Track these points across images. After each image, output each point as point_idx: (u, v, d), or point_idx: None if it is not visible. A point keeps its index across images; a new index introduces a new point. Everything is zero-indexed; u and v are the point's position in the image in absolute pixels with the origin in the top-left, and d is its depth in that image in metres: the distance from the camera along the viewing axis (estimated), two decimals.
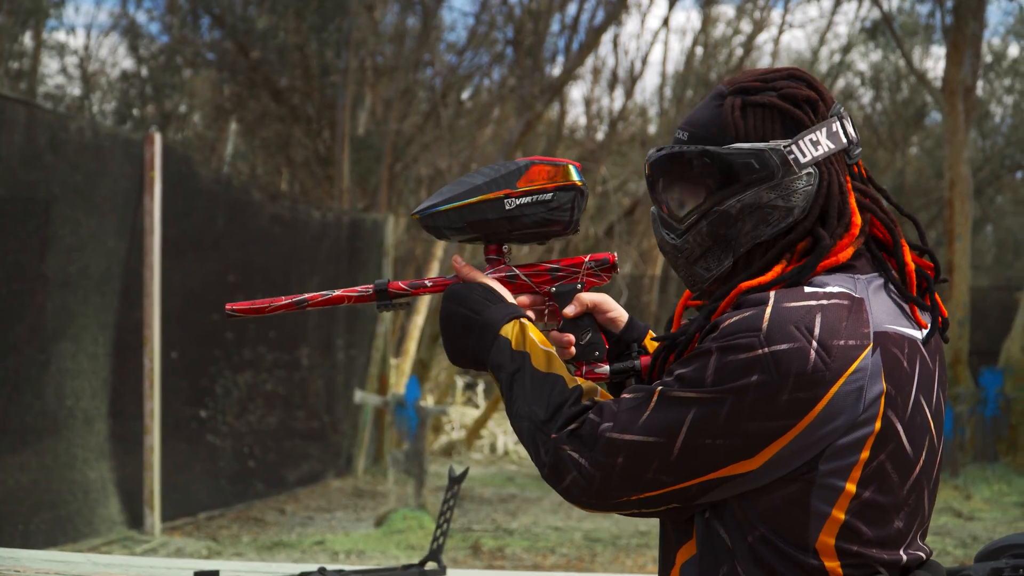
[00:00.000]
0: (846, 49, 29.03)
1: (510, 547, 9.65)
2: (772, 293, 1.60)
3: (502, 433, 17.74)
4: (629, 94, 25.06)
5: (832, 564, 1.58)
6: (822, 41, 29.03)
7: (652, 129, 26.27)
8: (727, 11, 26.35)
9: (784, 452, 1.55)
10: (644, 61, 25.04)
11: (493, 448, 17.50)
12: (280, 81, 17.90)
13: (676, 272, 1.83)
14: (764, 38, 28.30)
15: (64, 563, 2.93)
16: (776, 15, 27.85)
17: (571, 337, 1.86)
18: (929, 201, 27.66)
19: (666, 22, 29.02)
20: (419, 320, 16.78)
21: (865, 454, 1.56)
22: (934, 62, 29.69)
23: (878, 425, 1.56)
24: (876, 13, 23.08)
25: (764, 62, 27.41)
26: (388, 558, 8.96)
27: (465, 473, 2.89)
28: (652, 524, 10.96)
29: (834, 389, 1.53)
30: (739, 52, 26.78)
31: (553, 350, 1.74)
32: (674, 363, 1.66)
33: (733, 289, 1.68)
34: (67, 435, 8.48)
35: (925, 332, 1.67)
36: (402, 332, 16.71)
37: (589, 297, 1.91)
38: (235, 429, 10.92)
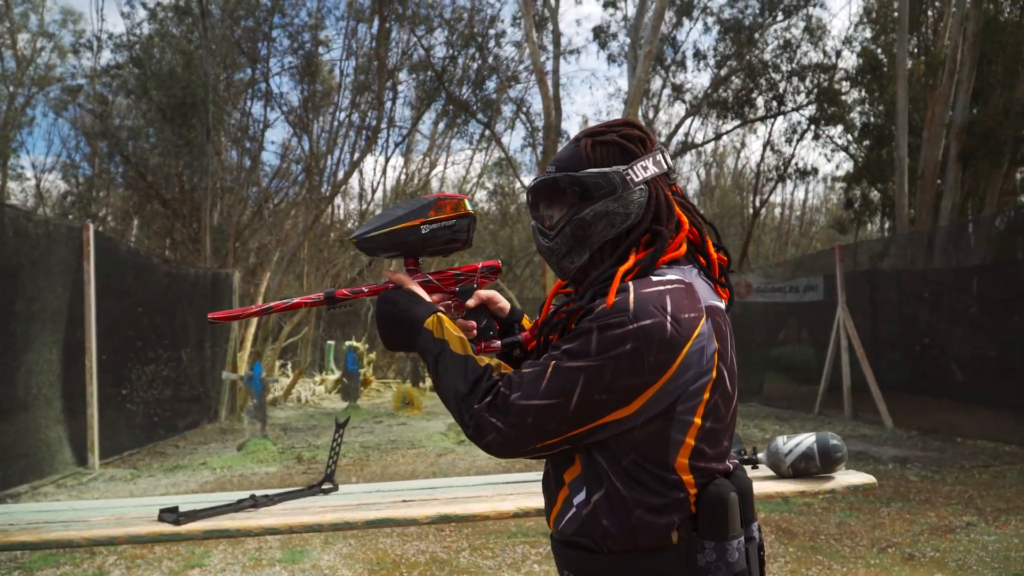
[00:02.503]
0: (479, 177, 28.81)
1: (318, 456, 9.29)
2: (630, 283, 1.35)
3: (304, 391, 17.14)
4: (368, 202, 24.85)
5: (688, 477, 1.35)
6: (468, 170, 29.00)
7: None
8: (418, 156, 26.08)
9: (652, 399, 1.32)
10: (374, 185, 24.91)
11: (299, 399, 16.80)
12: (166, 195, 16.92)
13: (550, 267, 1.56)
14: (438, 170, 28.11)
15: (50, 511, 2.45)
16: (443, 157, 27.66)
17: (473, 323, 1.60)
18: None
19: (387, 160, 29.00)
20: (252, 329, 15.98)
21: (706, 395, 1.35)
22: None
23: (714, 374, 1.35)
24: (500, 154, 24.04)
25: (435, 185, 27.28)
26: (247, 470, 8.47)
27: (347, 421, 2.62)
28: (414, 431, 10.98)
29: (685, 350, 1.32)
30: (423, 177, 26.31)
31: (463, 336, 1.48)
32: (559, 340, 1.40)
33: (604, 278, 1.41)
34: (34, 411, 7.75)
35: (725, 303, 1.47)
36: (245, 335, 15.93)
37: (484, 293, 1.65)
38: (144, 399, 10.17)
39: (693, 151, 22.62)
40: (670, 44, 18.20)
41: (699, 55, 19.11)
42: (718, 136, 21.09)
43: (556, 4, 16.64)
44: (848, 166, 19.31)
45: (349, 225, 24.95)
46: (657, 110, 20.21)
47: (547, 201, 1.50)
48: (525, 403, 1.32)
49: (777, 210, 26.42)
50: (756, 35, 18.29)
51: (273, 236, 18.68)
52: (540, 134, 17.01)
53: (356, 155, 17.55)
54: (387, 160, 29.75)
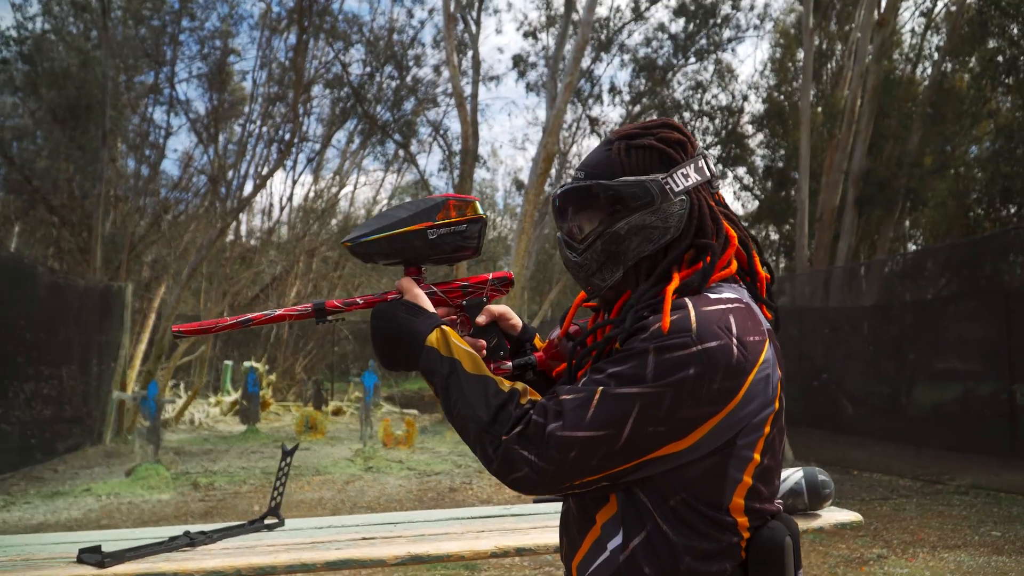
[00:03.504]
0: (390, 198, 27.95)
1: (217, 481, 8.75)
2: (687, 300, 1.20)
3: (198, 412, 16.26)
4: (276, 220, 24.11)
5: (742, 520, 1.21)
6: (378, 192, 28.42)
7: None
8: (327, 174, 25.28)
9: (712, 432, 1.17)
10: (281, 201, 24.17)
11: (192, 421, 15.92)
12: (53, 200, 15.85)
13: (577, 283, 1.38)
14: (347, 189, 27.27)
15: None
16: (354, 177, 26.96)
17: (483, 342, 1.42)
18: None
19: (296, 178, 28.24)
20: (143, 346, 15.10)
21: (767, 429, 1.21)
22: None
23: (776, 405, 1.22)
24: (412, 176, 23.77)
25: (343, 205, 26.61)
26: (137, 497, 7.87)
27: (296, 448, 2.36)
28: (322, 456, 10.51)
29: (751, 377, 1.17)
30: (332, 197, 25.49)
31: (474, 353, 1.30)
32: (602, 362, 1.22)
33: (648, 298, 1.25)
34: None
35: (769, 324, 1.31)
36: (135, 353, 15.06)
37: (495, 308, 1.47)
38: (20, 419, 9.35)
39: None
40: (587, 78, 18.59)
41: (614, 90, 19.63)
42: None
43: (477, 31, 16.76)
44: (753, 206, 20.13)
45: (252, 243, 24.12)
46: (573, 141, 20.57)
47: (576, 211, 1.34)
48: (567, 435, 1.15)
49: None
50: (669, 75, 18.91)
51: (172, 249, 17.76)
52: (457, 158, 16.93)
53: (266, 169, 16.97)
54: (296, 178, 29.00)
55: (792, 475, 2.35)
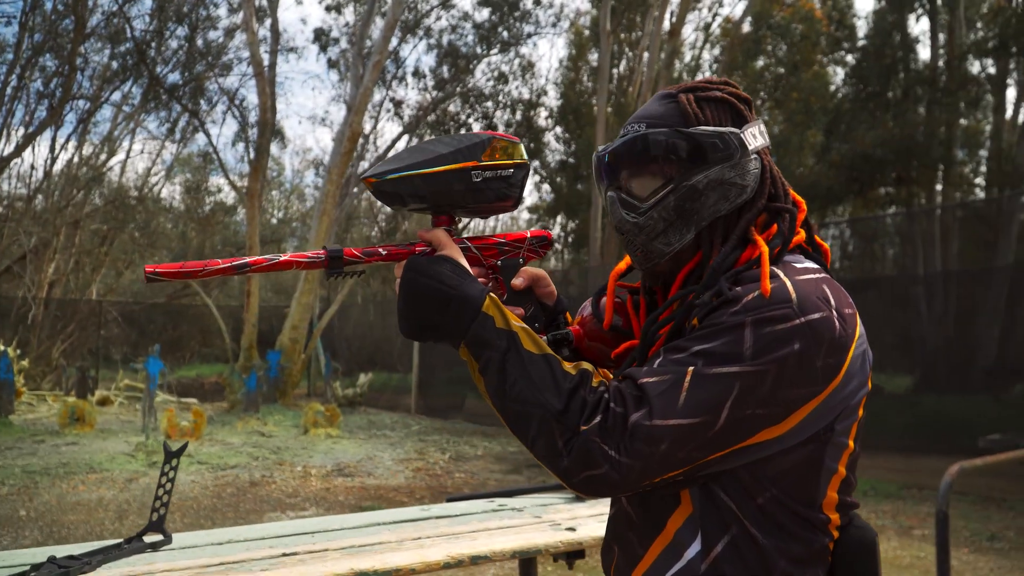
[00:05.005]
0: (169, 170, 25.79)
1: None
2: (776, 268, 1.07)
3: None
4: (36, 187, 21.10)
5: (834, 516, 1.09)
6: (154, 162, 25.38)
7: None
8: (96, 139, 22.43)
9: (811, 416, 1.04)
10: (47, 166, 21.18)
11: None
12: None
13: (629, 250, 1.19)
14: (118, 158, 24.35)
15: None
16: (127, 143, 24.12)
17: (521, 310, 1.23)
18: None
19: (64, 141, 24.84)
20: None
21: (861, 412, 1.10)
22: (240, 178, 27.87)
23: (869, 385, 1.10)
24: (197, 146, 21.94)
25: (113, 176, 23.78)
26: None
27: (184, 447, 1.93)
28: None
29: (850, 353, 1.05)
30: (100, 165, 22.69)
31: (526, 326, 1.10)
32: (681, 339, 1.06)
33: (727, 264, 1.10)
34: None
35: None
36: None
37: (533, 271, 1.27)
38: None
39: None
40: (393, 59, 18.18)
41: (419, 74, 19.39)
42: None
43: None
44: (549, 199, 20.81)
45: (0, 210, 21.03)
46: (377, 121, 20.05)
47: (638, 165, 1.16)
48: (657, 424, 0.99)
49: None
50: (473, 63, 19.00)
51: None
52: (254, 131, 15.87)
53: (31, 128, 14.89)
54: (62, 141, 25.52)
55: None
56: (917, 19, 15.92)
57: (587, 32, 20.77)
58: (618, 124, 17.77)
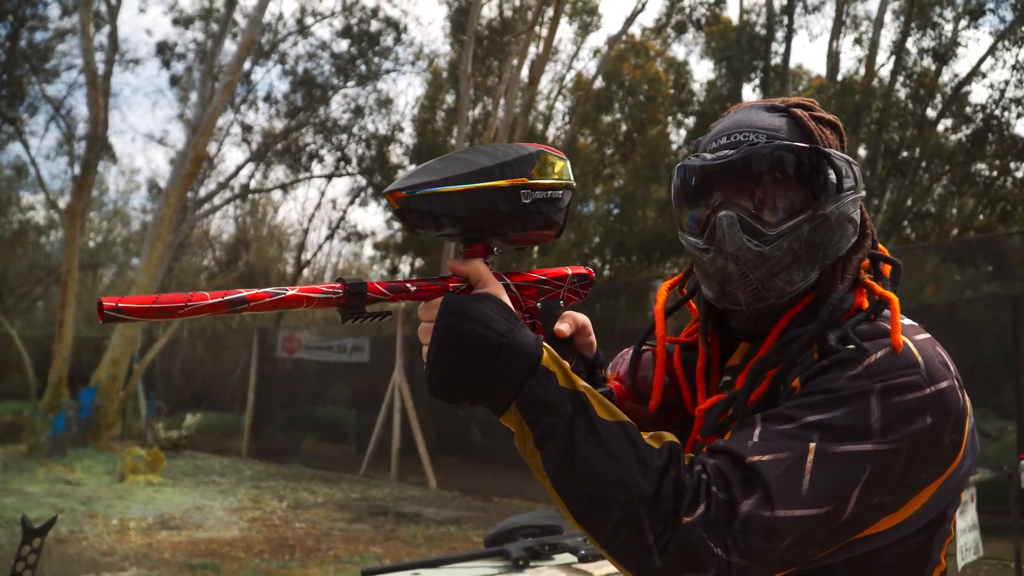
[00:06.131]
0: None
1: None
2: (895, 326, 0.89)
3: None
4: None
5: None
6: None
7: None
8: None
9: (931, 500, 0.88)
10: None
11: None
12: None
13: (733, 284, 0.95)
14: None
15: None
16: None
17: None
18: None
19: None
20: None
21: (962, 494, 0.98)
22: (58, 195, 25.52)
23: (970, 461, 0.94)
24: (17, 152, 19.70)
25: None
26: None
27: (53, 520, 1.40)
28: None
29: (967, 428, 0.90)
30: None
31: (589, 386, 0.88)
32: (787, 406, 0.87)
33: (840, 310, 0.91)
34: None
35: None
36: None
37: (579, 317, 1.05)
38: None
39: (248, 197, 21.64)
40: (245, 81, 17.36)
41: (271, 99, 18.62)
42: (284, 186, 20.50)
43: (118, 2, 14.60)
44: (399, 237, 20.48)
45: None
46: (221, 145, 18.98)
47: (768, 184, 0.95)
48: (781, 516, 0.80)
49: (328, 272, 26.36)
50: (330, 93, 18.51)
51: None
52: (82, 144, 14.53)
53: None
54: None
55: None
56: (754, 89, 17.13)
57: (445, 73, 20.85)
58: None
